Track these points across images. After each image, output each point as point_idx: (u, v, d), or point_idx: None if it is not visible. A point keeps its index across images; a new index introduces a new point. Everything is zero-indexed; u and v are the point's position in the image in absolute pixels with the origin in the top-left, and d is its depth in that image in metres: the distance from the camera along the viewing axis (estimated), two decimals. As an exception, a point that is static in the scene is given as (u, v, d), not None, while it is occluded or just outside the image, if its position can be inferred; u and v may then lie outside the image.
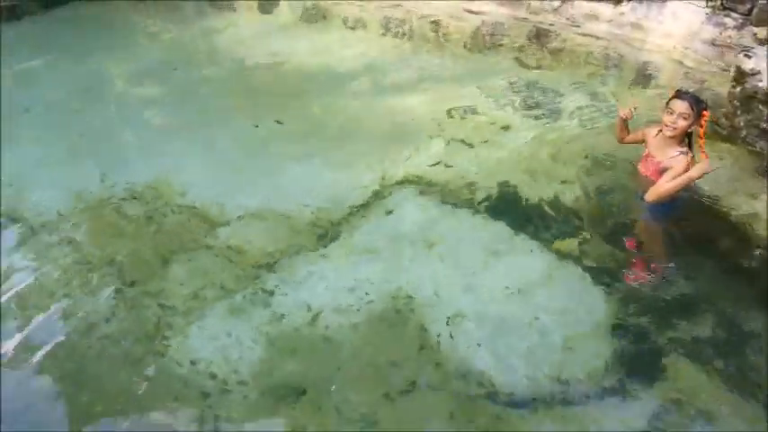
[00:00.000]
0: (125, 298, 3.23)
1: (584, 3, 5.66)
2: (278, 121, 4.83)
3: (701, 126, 3.31)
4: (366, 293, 3.26)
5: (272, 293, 3.26)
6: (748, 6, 4.74)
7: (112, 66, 5.98)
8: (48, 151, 4.50)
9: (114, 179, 4.14)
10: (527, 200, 3.97)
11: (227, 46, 6.29)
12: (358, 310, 3.16)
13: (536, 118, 4.87)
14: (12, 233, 3.63)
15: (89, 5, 7.94)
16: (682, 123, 3.30)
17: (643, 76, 5.34)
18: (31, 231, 3.66)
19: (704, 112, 3.30)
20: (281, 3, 6.96)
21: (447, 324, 3.08)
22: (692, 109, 3.28)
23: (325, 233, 3.71)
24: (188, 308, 3.17)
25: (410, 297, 3.23)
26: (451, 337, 3.01)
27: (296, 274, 3.39)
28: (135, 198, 3.96)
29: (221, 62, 5.93)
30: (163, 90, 5.44)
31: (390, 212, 3.89)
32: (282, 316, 3.12)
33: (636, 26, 5.47)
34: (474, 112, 4.98)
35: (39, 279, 3.30)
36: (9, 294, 3.21)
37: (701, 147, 3.37)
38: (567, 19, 5.76)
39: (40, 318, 3.08)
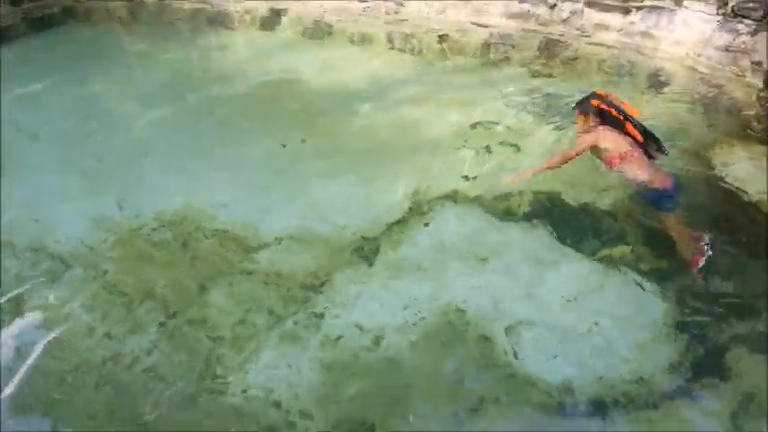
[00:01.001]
0: (168, 330, 3.06)
1: (594, 13, 5.72)
2: (302, 140, 4.72)
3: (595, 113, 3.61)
4: (419, 310, 3.15)
5: (322, 316, 3.12)
6: (761, 13, 4.83)
7: (117, 88, 5.80)
8: (66, 180, 4.30)
9: (140, 206, 3.96)
10: (566, 207, 3.93)
11: (234, 64, 6.17)
12: (414, 325, 3.05)
13: (558, 127, 4.85)
14: (43, 269, 3.43)
15: (81, 28, 7.79)
16: (578, 124, 3.75)
17: (657, 83, 5.39)
18: (63, 266, 3.46)
19: (591, 102, 3.62)
20: (282, 19, 6.89)
21: (507, 335, 2.99)
22: (578, 112, 3.71)
23: (368, 251, 3.59)
24: (236, 335, 3.01)
25: (463, 311, 3.13)
26: (514, 348, 2.92)
27: (344, 294, 3.27)
28: (164, 225, 3.78)
29: (231, 81, 5.80)
30: (174, 111, 5.28)
31: (430, 226, 3.80)
32: (338, 339, 2.98)
33: (646, 35, 5.54)
34: (495, 122, 4.95)
35: (76, 315, 3.11)
36: (48, 334, 3.02)
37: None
38: (577, 29, 5.81)
39: (81, 356, 2.89)
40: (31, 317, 3.08)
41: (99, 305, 3.18)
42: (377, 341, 2.97)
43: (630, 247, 3.48)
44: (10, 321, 3.05)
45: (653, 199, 3.51)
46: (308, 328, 3.05)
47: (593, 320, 3.06)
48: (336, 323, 3.08)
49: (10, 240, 3.64)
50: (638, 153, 3.49)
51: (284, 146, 4.61)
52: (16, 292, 3.23)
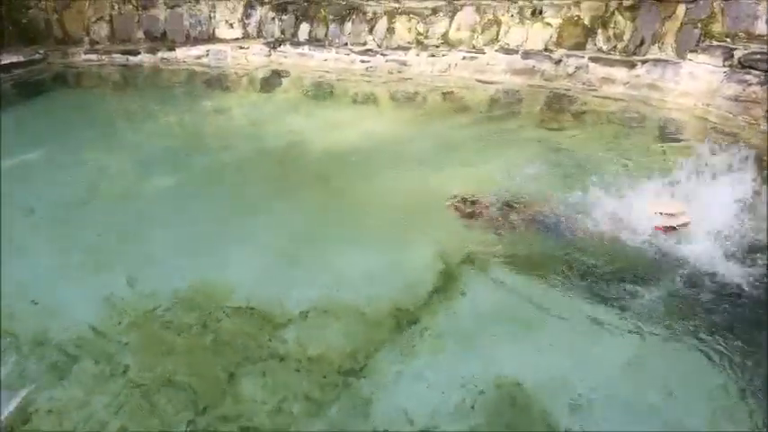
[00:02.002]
0: (199, 428, 2.73)
1: (599, 67, 5.77)
2: (314, 200, 4.52)
3: None
4: (471, 389, 2.86)
5: (368, 402, 2.82)
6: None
7: (116, 156, 5.56)
8: (66, 258, 3.96)
9: (150, 284, 3.63)
10: (600, 266, 3.74)
11: (237, 127, 6.01)
12: (472, 408, 2.76)
13: (565, 175, 4.71)
14: (47, 362, 3.07)
15: (73, 94, 7.64)
16: None
17: (667, 133, 5.38)
18: (68, 358, 3.11)
19: None
20: (282, 80, 6.82)
21: (572, 411, 2.72)
22: None
23: (404, 324, 3.33)
24: (277, 429, 2.69)
25: (519, 384, 2.85)
26: (582, 426, 2.65)
27: (388, 375, 2.98)
28: (180, 304, 3.47)
29: (236, 145, 5.61)
30: (179, 179, 5.04)
31: (465, 293, 3.56)
32: (388, 427, 2.69)
33: (653, 87, 5.58)
34: (511, 178, 4.82)
35: (92, 416, 2.76)
36: (47, 429, 2.65)
37: None
38: (584, 83, 5.84)
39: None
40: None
41: (119, 404, 2.83)
42: (435, 428, 2.68)
43: (667, 303, 3.29)
44: (16, 429, 2.68)
45: None
46: (353, 416, 2.74)
47: (663, 388, 2.81)
48: (384, 409, 2.77)
49: (12, 331, 3.28)
50: None
51: (297, 208, 4.39)
52: (22, 394, 2.86)
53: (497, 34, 6.47)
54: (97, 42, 8.44)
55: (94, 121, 6.70)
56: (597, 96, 5.70)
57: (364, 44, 6.88)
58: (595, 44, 5.99)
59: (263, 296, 3.52)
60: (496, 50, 6.34)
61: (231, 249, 4.04)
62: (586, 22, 6.09)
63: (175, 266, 3.84)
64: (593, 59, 5.74)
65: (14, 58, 7.88)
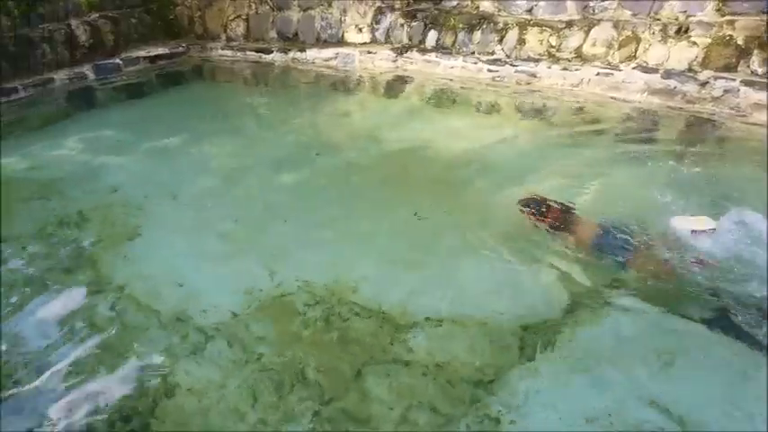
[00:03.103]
0: (323, 420, 2.79)
1: (753, 92, 5.30)
2: (435, 207, 4.50)
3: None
4: (611, 422, 2.71)
5: (498, 421, 2.75)
6: None
7: (247, 150, 5.88)
8: (205, 242, 4.22)
9: (281, 274, 3.79)
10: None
11: (362, 130, 6.13)
12: (607, 448, 2.61)
13: (699, 205, 4.33)
14: (190, 343, 3.29)
15: (208, 86, 8.15)
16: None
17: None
18: (204, 337, 3.31)
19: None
20: (406, 86, 6.89)
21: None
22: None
23: (531, 343, 3.23)
24: (401, 437, 2.69)
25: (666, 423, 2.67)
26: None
27: (517, 395, 2.89)
28: (309, 298, 3.59)
29: (360, 147, 5.72)
30: (307, 176, 5.22)
31: (601, 317, 3.39)
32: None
33: (817, 116, 5.05)
34: (647, 204, 4.52)
35: (224, 395, 2.90)
36: (190, 408, 2.82)
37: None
38: (732, 109, 5.39)
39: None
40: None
41: (249, 388, 2.96)
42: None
43: None
44: (163, 400, 2.88)
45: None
46: (483, 435, 2.69)
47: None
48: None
49: (154, 307, 3.53)
50: None
51: (417, 215, 4.40)
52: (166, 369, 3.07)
53: (635, 51, 6.14)
54: (233, 39, 8.99)
55: (227, 113, 7.12)
56: (746, 123, 5.24)
57: (492, 54, 6.79)
58: (749, 66, 5.51)
59: (387, 300, 3.54)
60: (633, 68, 6.01)
61: (354, 249, 4.12)
62: (740, 41, 5.62)
63: (303, 260, 3.97)
64: (745, 83, 5.28)
65: (160, 51, 8.58)
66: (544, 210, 4.16)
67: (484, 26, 6.88)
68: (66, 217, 4.49)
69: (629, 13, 6.31)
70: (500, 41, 6.75)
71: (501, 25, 6.77)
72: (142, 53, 8.23)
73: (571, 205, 4.22)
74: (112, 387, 2.98)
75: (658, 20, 6.14)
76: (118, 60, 7.89)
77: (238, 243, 4.23)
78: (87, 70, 7.48)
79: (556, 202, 4.23)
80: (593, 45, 6.35)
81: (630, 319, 3.37)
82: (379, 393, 2.91)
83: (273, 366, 3.09)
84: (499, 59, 6.68)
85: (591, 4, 6.53)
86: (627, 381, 2.95)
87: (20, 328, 3.40)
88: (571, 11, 6.70)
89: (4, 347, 3.21)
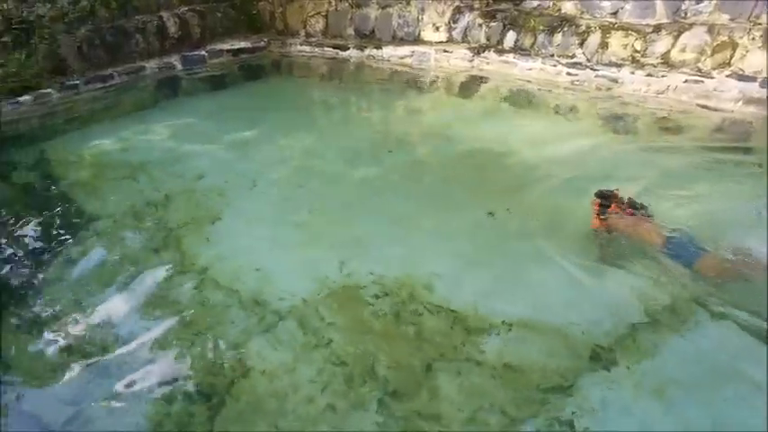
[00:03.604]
0: (392, 414, 2.81)
1: None
2: (507, 209, 4.45)
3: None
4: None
5: (570, 425, 2.70)
6: None
7: (323, 143, 6.00)
8: (281, 230, 4.36)
9: (352, 265, 3.86)
10: None
11: (436, 128, 6.11)
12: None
13: None
14: (261, 321, 3.41)
15: (282, 81, 8.37)
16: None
17: None
18: (278, 321, 3.42)
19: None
20: (482, 86, 6.83)
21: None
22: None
23: (606, 354, 3.12)
24: (470, 436, 2.68)
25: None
26: None
27: (591, 400, 2.82)
28: (381, 291, 3.63)
29: (435, 145, 5.71)
30: (380, 171, 5.27)
31: (678, 330, 3.24)
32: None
33: None
34: (727, 217, 4.27)
35: (295, 379, 2.99)
36: (263, 390, 2.93)
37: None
38: (838, 122, 5.02)
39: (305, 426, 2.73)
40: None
41: (319, 373, 3.04)
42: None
43: None
44: (239, 380, 3.00)
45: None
46: (553, 438, 2.64)
47: None
48: (587, 436, 2.64)
49: (234, 288, 3.69)
50: None
51: (492, 214, 4.36)
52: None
53: (730, 58, 5.80)
54: (311, 35, 9.19)
55: (303, 107, 7.29)
56: None
57: (572, 57, 6.61)
58: None
59: (460, 300, 3.53)
60: (728, 75, 5.69)
61: (426, 247, 4.12)
62: None
63: (374, 253, 4.03)
64: None
65: (243, 44, 8.90)
66: (608, 204, 4.10)
67: (565, 28, 6.70)
68: (153, 199, 4.75)
69: (727, 17, 5.97)
70: (581, 44, 6.55)
71: (583, 28, 6.57)
72: (226, 46, 8.56)
73: (645, 207, 4.08)
74: (192, 362, 3.14)
75: (759, 24, 5.77)
76: (203, 52, 8.25)
77: (313, 232, 4.34)
78: (175, 60, 7.86)
79: (632, 201, 4.11)
80: (683, 51, 6.06)
81: (723, 338, 3.21)
82: (449, 392, 2.91)
83: (343, 354, 3.15)
84: (579, 63, 6.49)
85: (683, 6, 6.23)
86: (711, 401, 2.82)
87: (110, 300, 3.63)
88: (660, 14, 6.42)
89: (96, 320, 3.45)
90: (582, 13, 6.81)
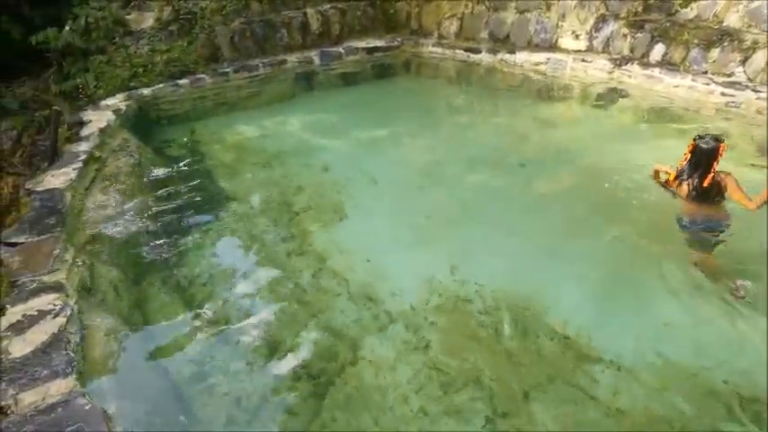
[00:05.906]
0: (487, 427, 2.79)
1: None
2: (648, 244, 4.13)
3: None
4: None
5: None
6: None
7: (446, 147, 6.01)
8: (398, 230, 4.46)
9: (462, 273, 3.84)
10: None
11: (565, 140, 5.84)
12: None
13: None
14: (372, 315, 3.51)
15: (411, 81, 8.49)
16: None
17: None
18: (389, 318, 3.50)
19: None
20: (621, 100, 6.45)
21: None
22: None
23: (740, 409, 2.85)
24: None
25: None
26: None
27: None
28: (490, 303, 3.58)
29: (563, 159, 5.45)
30: (500, 180, 5.18)
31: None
32: None
33: None
34: None
35: (395, 377, 3.05)
36: (367, 380, 3.02)
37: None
38: None
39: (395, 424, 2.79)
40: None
41: (417, 374, 3.07)
42: None
43: None
44: (348, 368, 3.13)
45: None
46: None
47: None
48: None
49: (347, 278, 3.84)
50: None
51: (617, 239, 4.13)
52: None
53: None
54: (445, 37, 9.18)
55: (430, 109, 7.35)
56: None
57: (730, 75, 6.00)
58: None
59: (574, 323, 3.38)
60: None
61: (541, 265, 3.99)
62: None
63: (486, 264, 3.97)
64: None
65: (377, 43, 9.10)
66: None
67: (725, 43, 6.09)
68: (285, 188, 5.07)
69: None
70: (743, 62, 5.92)
71: (748, 44, 5.93)
72: (362, 44, 8.82)
73: None
74: (306, 343, 3.33)
75: None
76: (340, 49, 8.57)
77: (428, 237, 4.38)
78: (314, 55, 8.25)
79: None
80: None
81: None
82: (545, 420, 2.82)
83: (445, 365, 3.15)
84: (738, 82, 5.87)
85: None
86: None
87: (237, 277, 3.95)
88: None
89: (223, 292, 3.76)
90: (749, 26, 6.15)
